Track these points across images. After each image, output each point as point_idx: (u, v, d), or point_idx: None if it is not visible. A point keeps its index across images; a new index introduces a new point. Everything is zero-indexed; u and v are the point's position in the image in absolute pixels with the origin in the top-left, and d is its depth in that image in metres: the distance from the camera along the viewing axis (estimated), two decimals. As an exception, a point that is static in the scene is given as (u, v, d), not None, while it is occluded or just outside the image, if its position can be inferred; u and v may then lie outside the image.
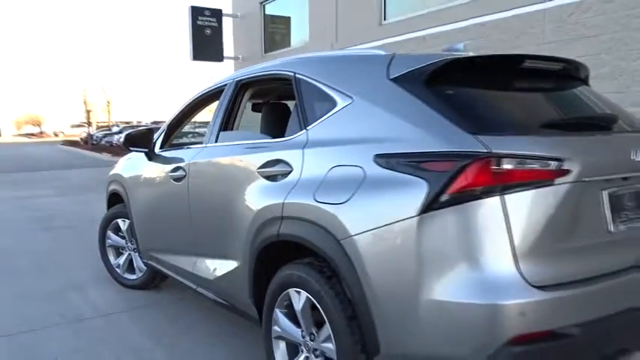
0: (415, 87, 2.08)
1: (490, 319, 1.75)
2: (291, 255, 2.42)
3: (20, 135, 73.39)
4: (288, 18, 11.80)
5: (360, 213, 2.02)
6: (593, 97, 2.53)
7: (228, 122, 3.17)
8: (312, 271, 2.24)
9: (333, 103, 2.36)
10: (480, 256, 1.78)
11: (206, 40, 12.34)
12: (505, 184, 1.78)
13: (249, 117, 3.42)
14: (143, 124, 38.34)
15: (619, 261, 2.02)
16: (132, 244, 4.37)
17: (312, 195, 2.22)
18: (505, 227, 1.78)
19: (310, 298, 2.25)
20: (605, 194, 2.00)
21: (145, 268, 4.25)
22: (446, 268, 1.82)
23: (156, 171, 3.72)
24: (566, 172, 1.85)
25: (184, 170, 3.30)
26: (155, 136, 3.93)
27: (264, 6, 12.51)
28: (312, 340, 2.30)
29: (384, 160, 2.00)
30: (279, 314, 2.47)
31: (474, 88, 2.14)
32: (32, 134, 69.93)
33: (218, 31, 12.52)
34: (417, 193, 1.85)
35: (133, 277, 4.44)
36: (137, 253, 4.25)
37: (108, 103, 44.14)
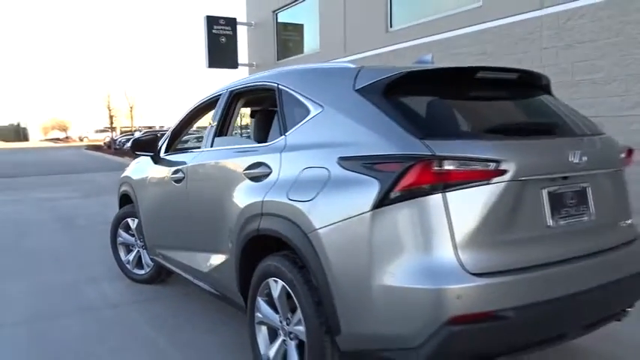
0: (375, 97, 2.33)
1: (431, 302, 1.99)
2: (271, 248, 2.68)
3: (47, 140, 75.28)
4: (301, 25, 12.10)
5: (324, 209, 2.28)
6: (551, 105, 2.75)
7: (222, 128, 3.45)
8: (286, 262, 2.50)
9: (308, 112, 2.62)
10: (423, 246, 2.02)
11: (221, 48, 12.72)
12: (446, 183, 2.02)
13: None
14: (165, 128, 39.12)
15: (557, 252, 2.24)
16: (140, 242, 4.68)
17: (286, 194, 2.49)
18: (446, 221, 2.01)
19: (285, 287, 2.51)
20: (545, 192, 2.23)
21: (152, 263, 4.56)
22: (395, 257, 2.06)
23: (160, 173, 4.03)
24: (503, 172, 2.08)
25: (183, 172, 3.60)
26: (161, 141, 4.24)
27: (276, 14, 12.84)
28: (287, 325, 2.56)
29: (346, 162, 2.25)
30: (260, 302, 2.74)
31: (426, 97, 2.38)
32: (58, 139, 71.69)
33: (233, 39, 12.90)
34: (371, 191, 2.10)
35: (142, 272, 4.75)
36: (145, 250, 4.56)
37: (131, 108, 45.06)
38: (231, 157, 3.13)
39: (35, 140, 78.12)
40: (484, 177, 2.07)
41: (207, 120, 4.68)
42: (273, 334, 2.71)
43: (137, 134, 34.02)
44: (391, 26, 9.15)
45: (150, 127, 44.01)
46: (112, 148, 33.27)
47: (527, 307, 2.08)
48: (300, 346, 2.48)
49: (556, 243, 2.26)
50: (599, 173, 2.48)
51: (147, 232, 4.33)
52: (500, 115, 2.61)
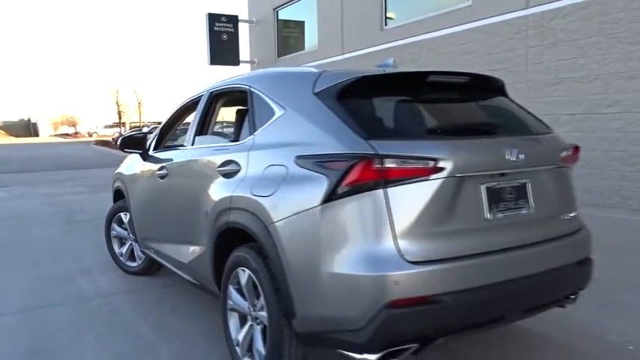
0: (330, 100, 2.52)
1: (372, 287, 2.18)
2: (241, 240, 2.89)
3: (56, 135, 76.03)
4: (301, 23, 12.27)
5: (281, 203, 2.48)
6: (500, 106, 2.93)
7: (203, 127, 3.66)
8: (252, 252, 2.71)
9: (273, 113, 2.82)
10: (366, 237, 2.22)
11: (223, 45, 12.93)
12: (387, 179, 2.21)
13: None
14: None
15: (495, 242, 2.42)
16: (132, 235, 4.91)
17: (251, 189, 2.69)
18: (387, 214, 2.21)
19: (251, 275, 2.72)
20: (483, 187, 2.41)
21: (144, 256, 4.78)
22: (341, 247, 2.26)
23: (148, 170, 4.25)
24: (441, 169, 2.27)
25: (167, 169, 3.81)
26: (150, 138, 4.46)
27: (277, 12, 13.02)
28: (254, 310, 2.77)
29: (301, 160, 2.45)
30: (231, 290, 2.95)
31: (376, 100, 2.58)
32: (68, 134, 72.42)
33: (234, 37, 13.09)
34: (321, 187, 2.30)
35: (134, 264, 4.98)
36: (136, 243, 4.78)
37: (139, 103, 45.57)
38: (208, 155, 3.33)
39: (45, 135, 78.93)
40: (422, 174, 2.25)
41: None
42: (242, 320, 2.92)
43: (145, 129, 34.43)
44: (386, 24, 9.31)
45: (158, 123, 44.37)
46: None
47: (462, 292, 2.27)
48: (265, 330, 2.69)
49: (494, 234, 2.44)
50: (540, 170, 2.65)
51: (137, 225, 4.56)
52: (444, 117, 2.80)
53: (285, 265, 2.44)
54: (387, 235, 2.21)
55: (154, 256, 4.33)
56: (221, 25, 12.85)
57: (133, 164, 4.68)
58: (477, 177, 2.40)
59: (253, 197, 2.66)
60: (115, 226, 5.13)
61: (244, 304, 2.85)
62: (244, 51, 13.87)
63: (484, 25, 7.22)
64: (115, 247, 5.16)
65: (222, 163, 3.04)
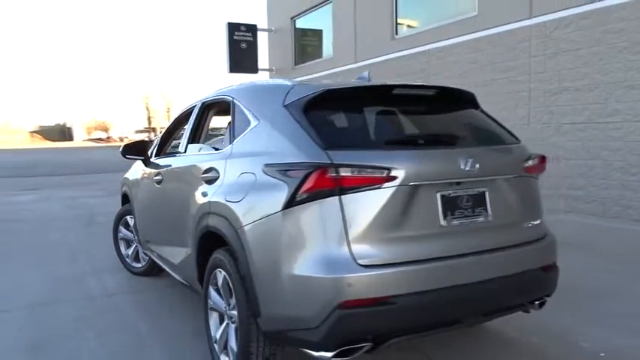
0: (297, 112, 2.69)
1: (326, 289, 2.34)
2: (219, 243, 3.07)
3: (90, 140, 78.09)
4: (320, 31, 12.48)
5: (249, 208, 2.67)
6: (465, 118, 3.05)
7: (195, 135, 3.87)
8: (227, 255, 2.89)
9: (249, 123, 3.01)
10: (322, 241, 2.38)
11: (242, 54, 13.24)
12: (342, 187, 2.37)
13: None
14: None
15: (449, 248, 2.55)
16: (136, 237, 5.16)
17: (225, 195, 2.89)
18: (341, 220, 2.36)
19: (226, 277, 2.90)
20: (438, 195, 2.54)
21: (147, 257, 5.02)
22: (299, 250, 2.42)
23: (147, 175, 4.49)
24: (393, 178, 2.41)
25: (162, 175, 4.04)
26: (153, 145, 4.71)
27: (294, 21, 13.28)
28: (229, 310, 2.95)
29: (268, 168, 2.63)
30: (211, 290, 3.14)
31: (339, 112, 2.74)
32: (100, 139, 74.34)
33: (253, 45, 13.40)
34: (282, 193, 2.47)
35: (139, 265, 5.23)
36: (140, 245, 5.03)
37: (168, 109, 46.53)
38: (195, 162, 3.54)
39: (79, 140, 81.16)
40: (375, 182, 2.40)
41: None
42: (221, 319, 3.10)
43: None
44: (397, 34, 9.44)
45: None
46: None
47: (413, 294, 2.40)
48: (237, 329, 2.86)
49: (448, 240, 2.56)
50: (499, 179, 2.76)
51: (139, 228, 4.81)
52: (404, 128, 2.94)
53: (252, 266, 2.62)
54: (341, 239, 2.36)
55: (153, 258, 4.56)
56: (240, 34, 13.17)
57: (137, 170, 4.94)
58: (433, 185, 2.53)
59: (226, 203, 2.85)
60: (121, 228, 5.40)
61: (222, 304, 3.04)
62: (263, 59, 14.18)
63: (489, 35, 7.28)
64: (122, 248, 5.42)
65: (205, 170, 3.25)
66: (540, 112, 6.64)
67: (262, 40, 14.03)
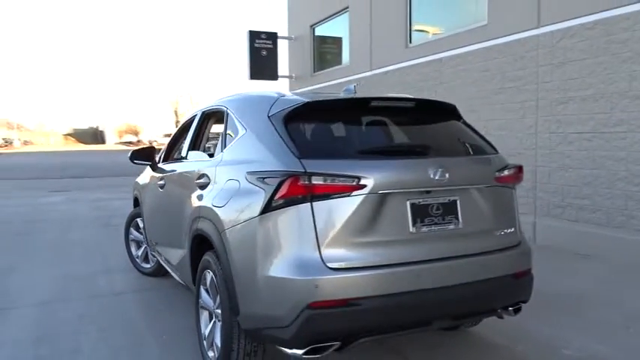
0: (278, 123, 2.86)
1: (296, 290, 2.50)
2: (209, 246, 3.25)
3: (121, 143, 79.90)
4: (338, 39, 12.65)
5: (232, 213, 2.85)
6: (448, 129, 3.16)
7: (195, 142, 4.08)
8: (214, 256, 3.07)
9: (238, 133, 3.19)
10: (294, 245, 2.54)
11: (262, 61, 13.50)
12: (314, 194, 2.52)
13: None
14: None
15: (417, 254, 2.66)
16: (146, 239, 5.40)
17: (212, 200, 3.07)
18: (313, 225, 2.52)
19: (213, 277, 3.08)
20: (408, 203, 2.67)
21: (155, 258, 5.25)
22: (274, 253, 2.59)
23: (154, 180, 4.73)
24: (362, 186, 2.55)
25: (165, 180, 4.26)
26: (160, 151, 4.94)
27: (313, 29, 13.48)
28: (216, 308, 3.12)
29: (250, 175, 2.80)
30: (202, 290, 3.33)
31: (317, 123, 2.90)
32: (131, 142, 76.03)
33: (273, 53, 13.64)
34: (260, 199, 2.64)
35: (148, 266, 5.47)
36: (148, 246, 5.27)
37: (196, 114, 47.19)
38: (192, 168, 3.74)
39: (111, 143, 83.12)
40: (345, 190, 2.54)
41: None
42: (210, 317, 3.28)
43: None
44: (410, 42, 9.54)
45: (217, 134, 45.84)
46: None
47: (380, 297, 2.53)
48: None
49: (417, 246, 2.68)
50: (471, 188, 2.86)
51: (147, 230, 5.04)
52: (378, 139, 3.08)
53: (232, 267, 2.80)
54: (312, 244, 2.51)
55: (158, 258, 4.78)
56: (261, 41, 13.43)
57: (146, 174, 5.18)
58: (402, 194, 2.66)
59: (212, 207, 3.04)
60: (132, 230, 5.65)
61: (210, 303, 3.22)
62: (283, 66, 14.43)
63: (499, 44, 7.33)
64: (133, 249, 5.67)
65: (199, 176, 3.44)
66: (548, 122, 6.65)
67: (283, 48, 14.30)
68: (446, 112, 3.27)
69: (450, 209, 2.79)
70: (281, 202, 2.56)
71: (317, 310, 2.48)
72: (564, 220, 6.48)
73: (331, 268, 2.51)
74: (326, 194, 2.54)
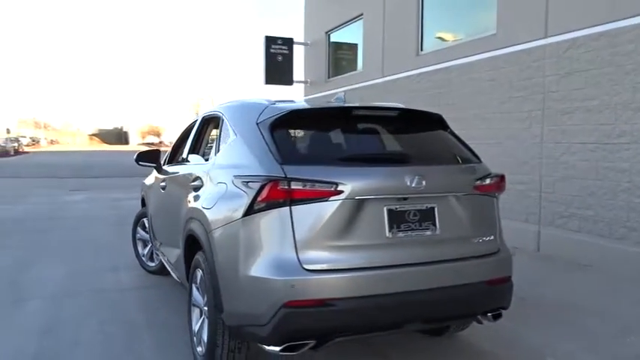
0: (265, 129, 2.99)
1: (273, 289, 2.62)
2: (199, 246, 3.38)
3: (143, 144, 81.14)
4: (351, 45, 12.77)
5: (218, 214, 2.98)
6: (431, 137, 3.25)
7: (195, 146, 4.23)
8: (203, 256, 3.20)
9: (229, 138, 3.33)
10: (273, 247, 2.67)
11: (277, 66, 13.69)
12: (292, 199, 2.64)
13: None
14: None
15: (392, 258, 2.76)
16: (151, 238, 5.57)
17: (202, 202, 3.21)
18: (291, 228, 2.64)
19: (203, 276, 3.21)
20: (385, 209, 2.77)
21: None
22: (254, 254, 2.71)
23: (157, 181, 4.90)
24: (340, 192, 2.66)
25: (166, 182, 4.42)
26: (167, 153, 5.12)
27: (329, 35, 13.63)
28: (204, 306, 3.26)
29: (236, 179, 2.93)
30: (193, 288, 3.47)
31: (301, 130, 3.02)
32: (153, 144, 77.15)
33: (289, 58, 13.82)
34: (243, 202, 2.77)
35: (153, 264, 5.65)
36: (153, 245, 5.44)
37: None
38: (189, 171, 3.89)
39: (134, 144, 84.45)
40: (323, 195, 2.66)
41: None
42: (200, 314, 3.42)
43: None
44: (421, 49, 9.61)
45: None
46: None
47: (354, 298, 2.64)
48: (210, 323, 3.16)
49: (393, 251, 2.77)
50: (449, 196, 2.95)
51: (151, 229, 5.21)
52: (359, 146, 3.18)
53: (217, 266, 2.93)
54: (290, 245, 2.64)
55: (161, 258, 4.94)
56: (277, 47, 13.63)
57: (152, 176, 5.36)
58: (379, 200, 2.76)
59: (202, 209, 3.18)
60: (139, 229, 5.84)
61: (200, 300, 3.36)
62: (299, 71, 14.60)
63: (506, 54, 7.36)
64: (139, 248, 5.86)
65: (194, 178, 3.59)
66: (553, 132, 6.66)
67: (299, 54, 14.47)
68: (432, 121, 3.37)
69: (427, 216, 2.88)
70: (262, 205, 2.69)
71: (293, 309, 2.59)
72: (568, 230, 6.48)
73: (307, 270, 2.62)
74: (304, 199, 2.66)
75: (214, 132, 4.37)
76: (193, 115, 48.59)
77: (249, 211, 2.73)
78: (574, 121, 6.36)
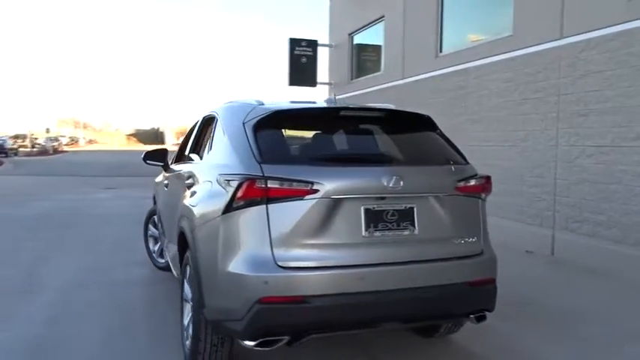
0: (249, 129, 3.06)
1: (249, 285, 2.69)
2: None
3: (177, 144, 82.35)
4: (373, 47, 12.77)
5: (202, 212, 3.08)
6: (416, 138, 3.26)
7: (195, 146, 4.34)
8: (190, 251, 3.29)
9: (219, 137, 3.42)
10: (250, 244, 2.74)
11: (301, 68, 13.80)
12: (269, 197, 2.71)
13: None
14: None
15: (368, 257, 2.79)
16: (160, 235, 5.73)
17: (191, 199, 3.31)
18: (267, 225, 2.70)
19: (190, 271, 3.30)
20: (362, 208, 2.80)
21: (168, 254, 5.57)
22: (232, 250, 2.79)
23: (163, 180, 5.03)
24: (315, 191, 2.71)
25: (168, 180, 4.55)
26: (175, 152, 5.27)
27: (352, 37, 13.66)
28: (192, 300, 3.35)
29: (220, 177, 3.01)
30: (185, 283, 3.56)
31: (283, 130, 3.07)
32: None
33: (313, 60, 13.92)
34: (223, 200, 2.84)
35: (162, 260, 5.80)
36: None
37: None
38: (185, 170, 4.00)
39: (169, 144, 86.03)
40: (299, 194, 2.71)
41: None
42: (189, 309, 3.51)
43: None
44: (441, 51, 9.54)
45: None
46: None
47: (326, 296, 2.68)
48: (197, 317, 3.26)
49: (369, 250, 2.80)
50: (429, 196, 2.95)
51: (160, 227, 5.36)
52: (339, 147, 3.21)
53: (200, 263, 3.02)
54: (266, 243, 2.70)
55: (167, 254, 5.08)
56: (301, 49, 13.74)
57: (161, 175, 5.51)
58: (356, 199, 2.80)
59: (190, 206, 3.28)
60: (150, 227, 6.00)
61: (189, 296, 3.45)
62: (323, 73, 14.67)
63: (522, 55, 7.24)
64: (150, 245, 6.03)
65: (187, 177, 3.70)
66: (568, 134, 6.53)
67: (323, 55, 14.55)
68: (420, 122, 3.37)
69: (406, 216, 2.90)
70: (240, 203, 2.76)
71: (267, 305, 2.65)
72: (581, 234, 6.34)
73: (282, 267, 2.68)
74: (281, 197, 2.72)
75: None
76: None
77: (228, 208, 2.80)
78: (588, 124, 6.22)
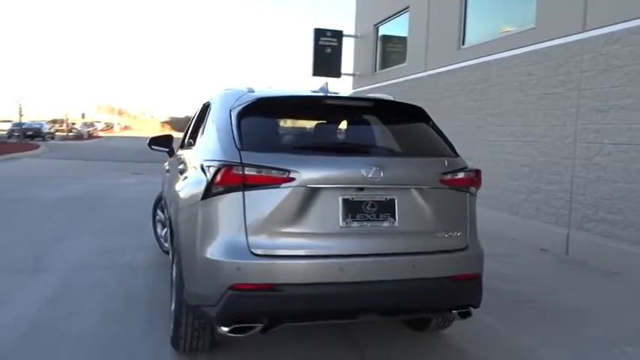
0: (235, 117, 3.06)
1: (223, 271, 2.69)
2: None
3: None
4: (399, 39, 12.58)
5: (185, 197, 3.10)
6: (406, 131, 3.19)
7: (194, 132, 4.36)
8: (174, 236, 3.32)
9: (209, 124, 3.42)
10: (225, 230, 2.73)
11: (326, 58, 13.72)
12: (246, 184, 2.69)
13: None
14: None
15: (345, 248, 2.75)
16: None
17: (178, 185, 3.32)
18: (242, 213, 2.69)
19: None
20: (340, 198, 2.76)
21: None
22: (209, 236, 2.79)
23: (167, 165, 5.09)
24: (291, 179, 2.68)
25: (169, 166, 4.59)
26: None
27: (377, 28, 13.50)
28: (178, 286, 3.38)
29: (203, 163, 3.01)
30: (174, 268, 3.58)
31: (265, 118, 3.05)
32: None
33: (337, 50, 13.81)
34: (203, 185, 2.84)
35: (168, 245, 5.85)
36: (168, 227, 5.66)
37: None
38: (180, 156, 4.03)
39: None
40: (274, 182, 2.69)
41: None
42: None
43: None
44: (463, 44, 9.34)
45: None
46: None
47: (299, 285, 2.66)
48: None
49: (345, 240, 2.76)
50: (412, 188, 2.88)
51: (165, 211, 5.43)
52: (320, 136, 3.17)
53: (181, 247, 3.03)
54: (241, 229, 2.69)
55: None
56: (326, 39, 13.64)
57: (166, 160, 5.57)
58: (335, 189, 2.75)
59: (177, 191, 3.30)
60: (158, 211, 6.08)
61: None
62: (348, 64, 14.57)
63: (544, 48, 7.02)
64: (158, 229, 6.11)
65: (180, 162, 3.72)
66: (586, 131, 6.31)
67: (348, 46, 14.44)
68: (412, 114, 3.30)
69: (386, 207, 2.84)
70: (218, 189, 2.76)
71: (239, 291, 2.65)
72: (596, 234, 6.14)
73: (255, 254, 2.67)
74: (257, 184, 2.70)
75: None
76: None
77: (207, 194, 2.80)
78: (607, 120, 6.00)
